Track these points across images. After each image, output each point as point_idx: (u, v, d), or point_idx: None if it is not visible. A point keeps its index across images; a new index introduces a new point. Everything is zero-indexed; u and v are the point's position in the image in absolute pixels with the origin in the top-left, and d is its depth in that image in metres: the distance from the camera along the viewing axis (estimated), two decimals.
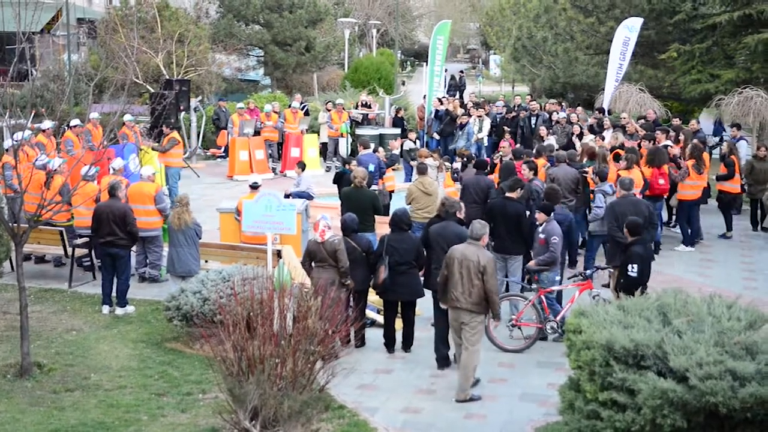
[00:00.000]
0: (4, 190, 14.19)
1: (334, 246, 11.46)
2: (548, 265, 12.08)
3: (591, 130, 21.93)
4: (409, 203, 15.31)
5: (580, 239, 16.13)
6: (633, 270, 10.93)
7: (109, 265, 13.38)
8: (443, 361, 11.25)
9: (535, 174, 14.94)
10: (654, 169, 16.11)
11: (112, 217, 13.14)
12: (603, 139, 19.56)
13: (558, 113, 23.77)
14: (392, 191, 18.10)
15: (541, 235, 12.15)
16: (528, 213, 13.27)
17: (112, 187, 13.53)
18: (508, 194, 13.14)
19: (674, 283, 13.94)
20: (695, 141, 17.97)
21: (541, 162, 16.47)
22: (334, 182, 16.78)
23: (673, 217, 18.20)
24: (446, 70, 32.03)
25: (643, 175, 15.75)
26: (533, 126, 23.65)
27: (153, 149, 20.09)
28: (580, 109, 25.46)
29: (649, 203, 14.05)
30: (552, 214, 12.34)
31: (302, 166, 18.44)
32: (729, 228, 17.86)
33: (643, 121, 21.62)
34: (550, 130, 21.62)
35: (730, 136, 20.34)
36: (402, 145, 22.55)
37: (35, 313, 12.79)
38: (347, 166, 16.93)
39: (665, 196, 16.91)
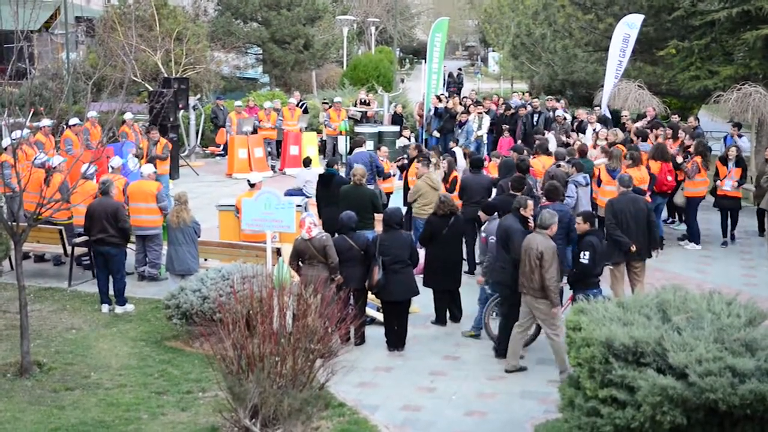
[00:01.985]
0: (2, 189, 14.19)
1: (322, 242, 11.48)
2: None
3: (579, 127, 22.00)
4: (415, 200, 15.23)
5: None
6: (585, 257, 10.99)
7: (102, 264, 13.36)
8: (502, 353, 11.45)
9: (527, 171, 14.86)
10: (662, 165, 16.07)
11: (104, 215, 13.10)
12: (596, 134, 19.56)
13: (556, 110, 23.82)
14: (390, 192, 17.91)
15: (483, 234, 12.07)
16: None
17: (104, 185, 13.46)
18: (512, 192, 13.12)
19: (673, 279, 13.96)
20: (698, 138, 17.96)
21: (548, 160, 16.42)
22: (323, 184, 15.69)
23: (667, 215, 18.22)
24: (445, 67, 32.05)
25: (650, 171, 15.75)
26: (535, 123, 23.65)
27: (154, 156, 19.72)
28: (561, 103, 25.51)
29: (647, 201, 14.02)
30: (495, 213, 12.23)
31: (307, 162, 18.26)
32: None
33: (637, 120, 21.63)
34: (549, 127, 21.62)
35: (729, 134, 20.28)
36: (396, 143, 22.53)
37: (35, 312, 12.79)
38: (335, 167, 16.53)
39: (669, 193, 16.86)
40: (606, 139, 18.41)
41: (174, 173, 22.57)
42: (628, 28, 23.45)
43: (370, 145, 21.35)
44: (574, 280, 11.21)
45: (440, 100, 26.31)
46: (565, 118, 22.75)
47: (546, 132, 21.23)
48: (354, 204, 13.75)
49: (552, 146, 18.79)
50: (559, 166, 15.49)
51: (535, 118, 24.13)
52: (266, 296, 9.01)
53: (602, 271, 11.31)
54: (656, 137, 18.10)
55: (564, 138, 20.86)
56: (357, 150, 17.94)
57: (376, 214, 14.38)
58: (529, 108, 25.22)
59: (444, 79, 39.22)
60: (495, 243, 11.76)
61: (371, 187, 16.47)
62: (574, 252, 11.49)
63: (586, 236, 11.23)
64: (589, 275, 11.04)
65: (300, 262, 11.68)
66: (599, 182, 15.91)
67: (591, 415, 7.50)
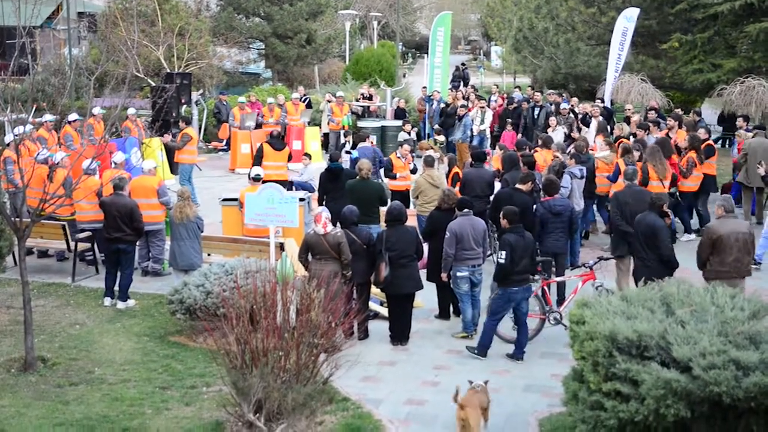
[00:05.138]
0: (5, 185, 14.19)
1: (337, 239, 11.43)
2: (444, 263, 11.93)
3: (583, 120, 21.99)
4: (416, 197, 15.24)
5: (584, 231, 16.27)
6: (501, 257, 11.01)
7: (114, 260, 13.38)
8: None
9: (533, 167, 14.83)
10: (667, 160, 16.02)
11: (118, 214, 13.13)
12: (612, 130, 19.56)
13: (561, 104, 23.81)
14: (407, 190, 17.37)
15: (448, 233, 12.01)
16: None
17: (122, 182, 13.46)
18: (518, 186, 13.10)
19: (677, 273, 13.91)
20: (692, 132, 17.92)
21: (549, 154, 16.38)
22: (331, 178, 15.52)
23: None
24: None
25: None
26: (535, 117, 23.64)
27: (169, 145, 19.98)
28: (575, 100, 25.46)
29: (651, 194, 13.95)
30: (465, 209, 12.13)
31: (309, 156, 18.41)
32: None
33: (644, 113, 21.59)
34: (557, 121, 21.63)
35: (737, 127, 20.24)
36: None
37: (39, 308, 12.81)
38: (339, 161, 16.42)
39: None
40: (612, 133, 18.41)
41: (174, 169, 22.54)
42: (626, 21, 23.42)
43: (372, 139, 21.23)
44: (497, 279, 11.20)
45: (431, 97, 26.53)
46: (569, 112, 22.74)
47: (552, 125, 21.19)
48: (361, 198, 13.76)
49: (558, 139, 18.82)
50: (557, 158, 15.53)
51: (536, 112, 24.11)
52: (270, 291, 9.01)
53: (525, 269, 11.16)
54: (669, 129, 18.10)
55: (568, 131, 20.89)
56: (361, 145, 17.91)
57: (381, 208, 14.36)
58: (531, 102, 25.20)
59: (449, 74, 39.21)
60: (449, 238, 11.75)
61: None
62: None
63: (505, 234, 11.20)
64: (509, 273, 10.97)
65: (308, 257, 11.64)
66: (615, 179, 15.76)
67: (595, 408, 7.51)
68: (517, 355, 11.25)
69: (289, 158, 19.84)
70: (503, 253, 10.96)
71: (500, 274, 11.03)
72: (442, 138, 22.88)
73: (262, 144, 18.77)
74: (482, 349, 11.24)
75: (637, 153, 15.64)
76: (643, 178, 14.61)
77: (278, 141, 18.79)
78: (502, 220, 11.36)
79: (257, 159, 18.53)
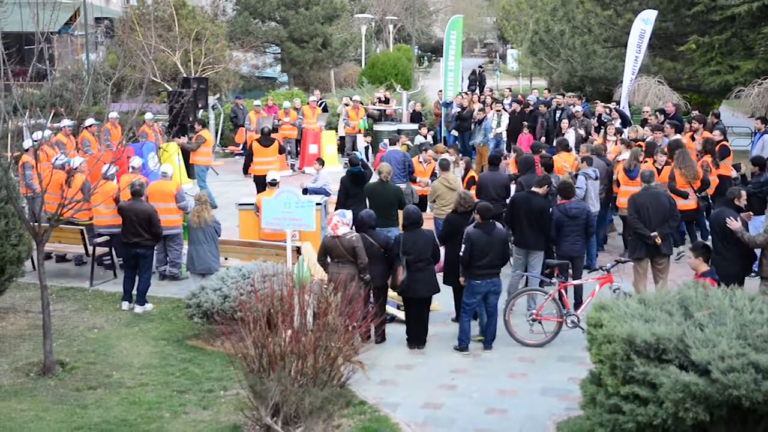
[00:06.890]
0: (24, 190, 14.27)
1: (351, 242, 11.42)
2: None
3: (599, 121, 21.89)
4: (433, 200, 15.23)
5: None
6: (463, 249, 11.37)
7: (132, 265, 13.44)
8: None
9: (551, 170, 14.79)
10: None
11: (136, 219, 13.19)
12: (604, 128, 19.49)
13: (575, 106, 23.73)
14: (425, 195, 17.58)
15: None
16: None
17: (141, 187, 13.51)
18: (534, 189, 13.07)
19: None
20: (707, 135, 17.83)
21: (569, 157, 16.30)
22: (355, 182, 15.62)
23: None
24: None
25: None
26: (557, 120, 23.58)
27: (184, 147, 20.60)
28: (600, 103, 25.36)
29: (671, 196, 13.88)
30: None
31: (321, 162, 18.53)
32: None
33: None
34: (570, 123, 21.58)
35: (755, 129, 20.09)
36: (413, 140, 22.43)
37: (57, 312, 12.88)
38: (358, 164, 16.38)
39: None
40: (628, 135, 18.32)
41: (191, 172, 22.61)
42: (644, 23, 23.34)
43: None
44: (462, 270, 11.58)
45: (449, 104, 26.48)
46: (584, 115, 22.67)
47: (564, 128, 21.14)
48: (380, 201, 13.76)
49: (571, 142, 18.73)
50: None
51: (557, 115, 24.04)
52: (287, 295, 9.02)
53: (490, 263, 11.43)
54: (694, 131, 18.01)
55: (583, 133, 20.80)
56: (391, 148, 17.90)
57: (400, 211, 14.33)
58: (551, 105, 25.13)
59: (463, 77, 39.16)
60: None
61: (403, 186, 16.46)
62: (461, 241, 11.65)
63: (469, 228, 11.50)
64: (468, 266, 11.37)
65: (327, 260, 11.65)
66: (618, 183, 15.70)
67: (613, 412, 7.47)
68: (486, 346, 11.74)
69: (281, 151, 20.80)
70: (464, 246, 11.34)
71: (461, 265, 11.53)
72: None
73: (251, 143, 19.98)
74: (461, 343, 11.68)
75: (665, 157, 15.48)
76: (670, 183, 14.71)
77: (266, 138, 19.86)
78: (475, 215, 11.63)
79: (248, 158, 19.83)
